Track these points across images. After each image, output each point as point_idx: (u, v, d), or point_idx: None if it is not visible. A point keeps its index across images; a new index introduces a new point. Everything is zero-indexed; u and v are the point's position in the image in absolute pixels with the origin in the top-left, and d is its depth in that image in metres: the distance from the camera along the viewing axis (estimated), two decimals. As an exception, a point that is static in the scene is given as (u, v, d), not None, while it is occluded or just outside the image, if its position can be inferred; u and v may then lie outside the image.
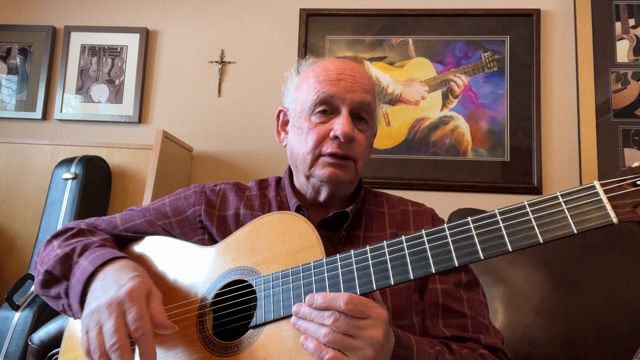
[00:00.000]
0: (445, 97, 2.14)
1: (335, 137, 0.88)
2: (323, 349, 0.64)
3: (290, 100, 0.99)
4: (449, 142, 2.11)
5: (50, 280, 0.88)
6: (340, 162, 0.89)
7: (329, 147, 0.89)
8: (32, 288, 1.72)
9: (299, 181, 0.98)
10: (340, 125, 0.88)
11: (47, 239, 0.96)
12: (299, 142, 0.93)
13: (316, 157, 0.91)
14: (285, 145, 1.00)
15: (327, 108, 0.91)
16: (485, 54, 2.14)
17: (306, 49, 2.22)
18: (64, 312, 0.91)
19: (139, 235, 0.99)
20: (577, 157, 2.02)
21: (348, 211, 0.93)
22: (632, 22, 2.07)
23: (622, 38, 2.06)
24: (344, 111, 0.89)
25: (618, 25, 2.07)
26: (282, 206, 0.98)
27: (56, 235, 0.96)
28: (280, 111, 1.03)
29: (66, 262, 0.87)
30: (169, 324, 0.75)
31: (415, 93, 2.16)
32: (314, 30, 2.24)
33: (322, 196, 0.95)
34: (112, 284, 0.77)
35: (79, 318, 0.83)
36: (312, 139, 0.90)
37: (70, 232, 0.95)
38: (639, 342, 1.28)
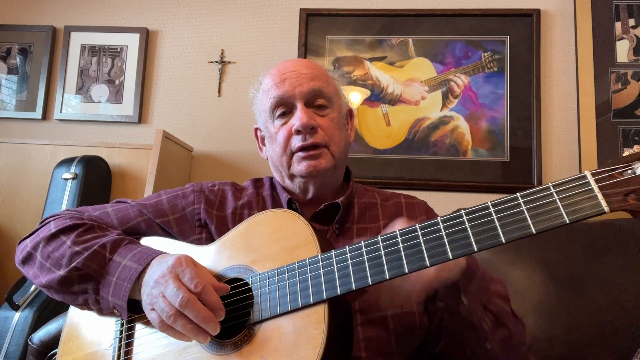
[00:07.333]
0: (445, 97, 2.13)
1: (298, 131, 0.93)
2: None
3: (259, 117, 1.05)
4: (449, 142, 2.11)
5: (75, 277, 0.85)
6: (312, 153, 0.93)
7: (296, 142, 0.94)
8: (33, 287, 1.72)
9: (286, 184, 1.01)
10: (297, 118, 0.93)
11: (49, 233, 0.91)
12: (273, 148, 0.99)
13: (290, 156, 0.95)
14: (267, 158, 1.05)
15: (284, 109, 0.96)
16: (485, 54, 2.13)
17: (306, 49, 2.22)
18: (82, 305, 0.89)
19: (136, 237, 0.97)
20: (577, 157, 2.01)
21: (339, 202, 0.95)
22: (632, 22, 2.06)
23: (622, 38, 2.06)
24: (299, 105, 0.94)
25: (618, 25, 2.06)
26: (276, 203, 1.01)
27: (63, 231, 0.90)
28: (256, 129, 1.09)
29: (96, 259, 0.85)
30: (223, 285, 0.77)
31: (415, 93, 2.16)
32: (314, 30, 2.24)
33: (310, 193, 0.98)
34: (157, 267, 0.79)
35: (106, 314, 0.86)
36: (280, 140, 0.95)
37: (82, 228, 0.91)
38: (639, 342, 1.27)
